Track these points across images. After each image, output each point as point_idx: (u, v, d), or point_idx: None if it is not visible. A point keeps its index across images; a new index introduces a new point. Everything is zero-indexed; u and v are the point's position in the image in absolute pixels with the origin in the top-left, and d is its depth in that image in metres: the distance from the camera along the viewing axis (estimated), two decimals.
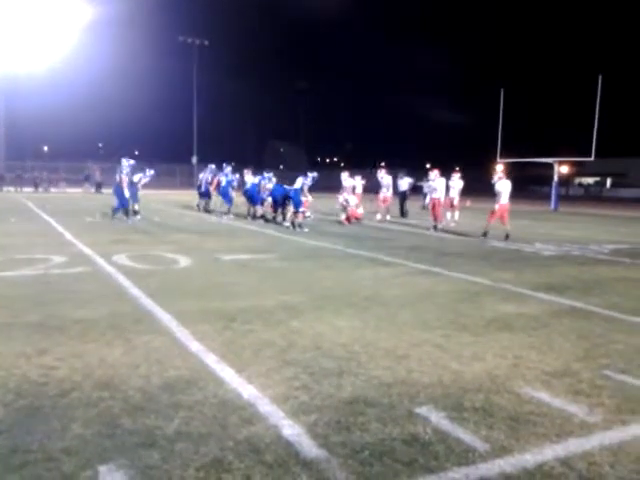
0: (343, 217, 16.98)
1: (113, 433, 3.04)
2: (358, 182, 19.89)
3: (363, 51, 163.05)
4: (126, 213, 16.00)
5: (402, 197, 21.63)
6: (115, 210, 16.17)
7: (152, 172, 17.89)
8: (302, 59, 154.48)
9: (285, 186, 16.01)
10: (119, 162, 16.43)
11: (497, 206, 13.74)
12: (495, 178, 13.97)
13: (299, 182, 15.43)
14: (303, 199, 15.52)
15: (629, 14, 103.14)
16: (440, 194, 16.08)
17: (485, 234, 13.71)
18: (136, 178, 16.51)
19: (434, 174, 16.54)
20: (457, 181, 18.91)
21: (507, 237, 13.40)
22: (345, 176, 19.47)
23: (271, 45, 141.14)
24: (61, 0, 39.84)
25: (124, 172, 15.87)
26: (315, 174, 15.90)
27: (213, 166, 21.00)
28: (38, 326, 5.02)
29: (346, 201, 17.17)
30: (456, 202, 18.77)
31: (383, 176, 19.55)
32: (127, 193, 15.91)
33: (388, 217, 19.10)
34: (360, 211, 17.53)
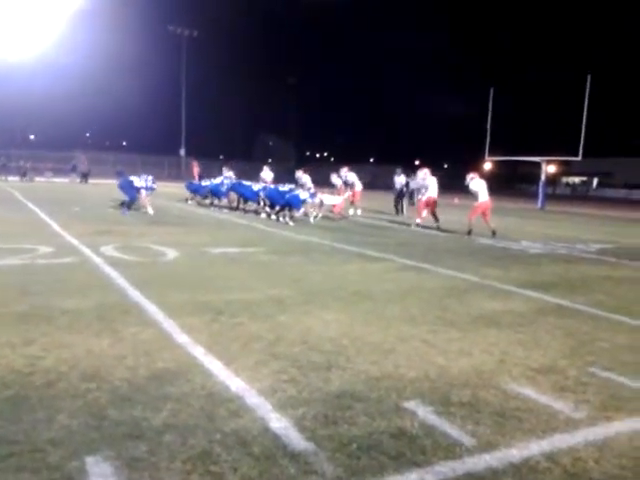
0: (313, 216, 16.26)
1: (100, 424, 3.02)
2: (335, 179, 20.24)
3: (353, 44, 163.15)
4: (128, 206, 16.07)
5: (398, 194, 21.58)
6: (127, 203, 16.16)
7: (151, 180, 17.47)
8: (292, 52, 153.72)
9: (280, 189, 15.86)
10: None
11: (476, 203, 13.89)
12: (467, 179, 14.06)
13: (304, 194, 15.42)
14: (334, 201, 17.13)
15: (619, 14, 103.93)
16: (428, 192, 15.98)
17: (469, 232, 13.75)
18: (137, 182, 16.27)
19: (423, 173, 16.41)
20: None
21: (494, 234, 13.48)
22: (300, 173, 20.00)
23: (260, 37, 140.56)
24: None
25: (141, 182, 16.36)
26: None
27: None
28: (24, 316, 4.98)
29: (321, 201, 16.58)
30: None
31: (347, 174, 20.12)
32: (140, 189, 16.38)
33: (359, 212, 19.46)
34: (339, 201, 17.51)
